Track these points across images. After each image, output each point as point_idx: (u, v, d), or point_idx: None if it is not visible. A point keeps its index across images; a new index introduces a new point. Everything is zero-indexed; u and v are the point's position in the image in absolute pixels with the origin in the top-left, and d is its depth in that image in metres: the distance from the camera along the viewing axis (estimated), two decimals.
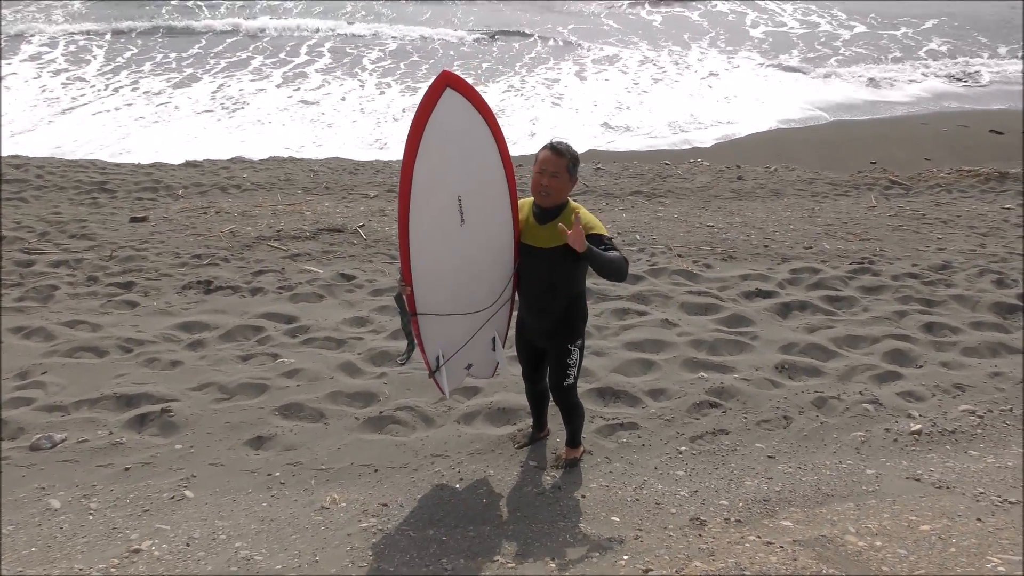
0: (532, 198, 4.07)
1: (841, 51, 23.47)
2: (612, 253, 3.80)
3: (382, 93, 18.65)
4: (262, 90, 18.70)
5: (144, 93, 18.01)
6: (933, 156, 13.32)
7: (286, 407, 5.26)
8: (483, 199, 3.91)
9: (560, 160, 3.87)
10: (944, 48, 24.13)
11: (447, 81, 3.57)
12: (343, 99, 18.12)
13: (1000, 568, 3.53)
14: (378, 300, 7.16)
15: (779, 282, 7.61)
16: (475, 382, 5.54)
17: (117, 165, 12.36)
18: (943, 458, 4.74)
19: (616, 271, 3.80)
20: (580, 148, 13.49)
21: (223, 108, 17.27)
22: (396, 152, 14.13)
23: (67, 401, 5.32)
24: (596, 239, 3.84)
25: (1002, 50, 23.66)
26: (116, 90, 18.24)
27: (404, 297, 3.93)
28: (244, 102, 17.70)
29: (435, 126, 3.58)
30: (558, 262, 3.97)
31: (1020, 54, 22.05)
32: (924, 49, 23.95)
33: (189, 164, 12.65)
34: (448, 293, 4.04)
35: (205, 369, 5.82)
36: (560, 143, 3.92)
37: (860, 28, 26.70)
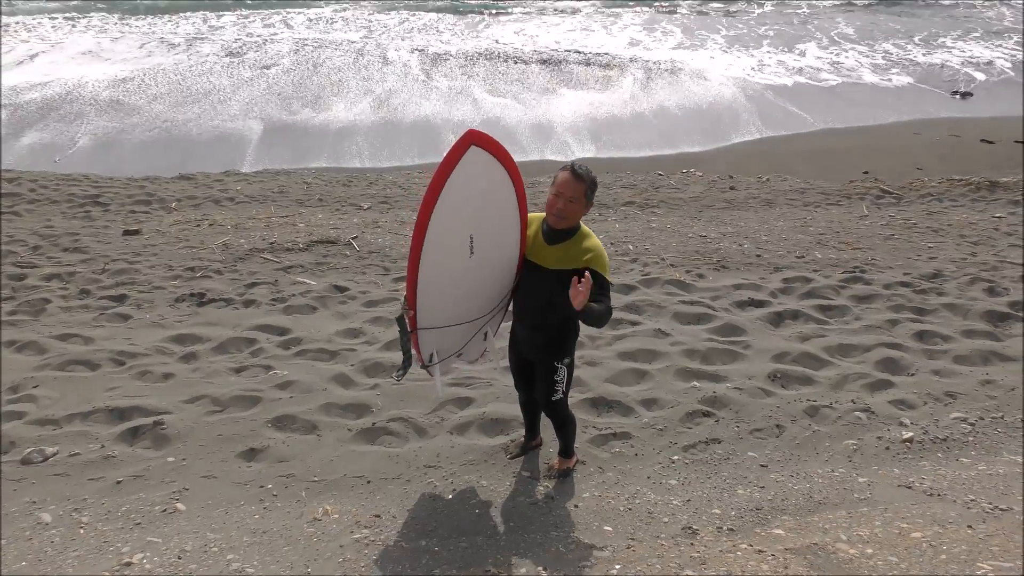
0: (542, 214, 4.04)
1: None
2: (600, 307, 3.74)
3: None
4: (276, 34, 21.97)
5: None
6: (924, 166, 13.40)
7: (279, 419, 5.25)
8: (494, 236, 3.92)
9: (579, 185, 3.78)
10: (851, 30, 25.20)
11: (472, 139, 3.56)
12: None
13: (991, 575, 3.54)
14: (371, 312, 7.16)
15: (771, 291, 7.63)
16: (468, 393, 5.55)
17: (110, 179, 12.37)
18: (934, 466, 4.75)
19: (596, 324, 3.78)
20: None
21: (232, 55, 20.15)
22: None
23: (59, 415, 5.31)
24: (601, 283, 3.83)
25: (917, 37, 24.55)
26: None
27: (407, 319, 3.92)
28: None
29: (456, 180, 3.58)
30: (560, 283, 3.90)
31: (1021, 56, 22.13)
32: (835, 31, 25.02)
33: (182, 177, 12.66)
34: (449, 308, 4.05)
35: (198, 382, 5.81)
36: (581, 167, 3.81)
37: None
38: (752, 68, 20.62)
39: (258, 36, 22.75)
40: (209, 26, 24.10)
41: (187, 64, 19.69)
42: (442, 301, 3.96)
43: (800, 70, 20.49)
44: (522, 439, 4.89)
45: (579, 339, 6.26)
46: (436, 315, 3.98)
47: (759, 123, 16.27)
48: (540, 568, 3.74)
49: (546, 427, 4.98)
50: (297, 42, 22.22)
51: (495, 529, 4.10)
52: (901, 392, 5.66)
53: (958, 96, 18.01)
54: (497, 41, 22.99)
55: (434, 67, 19.94)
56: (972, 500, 4.28)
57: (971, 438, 5.08)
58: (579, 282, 3.57)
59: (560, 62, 20.77)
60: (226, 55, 20.55)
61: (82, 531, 4.10)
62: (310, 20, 25.61)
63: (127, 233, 9.59)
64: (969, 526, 3.99)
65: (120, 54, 20.62)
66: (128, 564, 3.78)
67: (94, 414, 5.32)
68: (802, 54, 22.16)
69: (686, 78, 19.31)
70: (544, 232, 3.98)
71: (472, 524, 4.15)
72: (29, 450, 4.84)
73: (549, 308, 4.03)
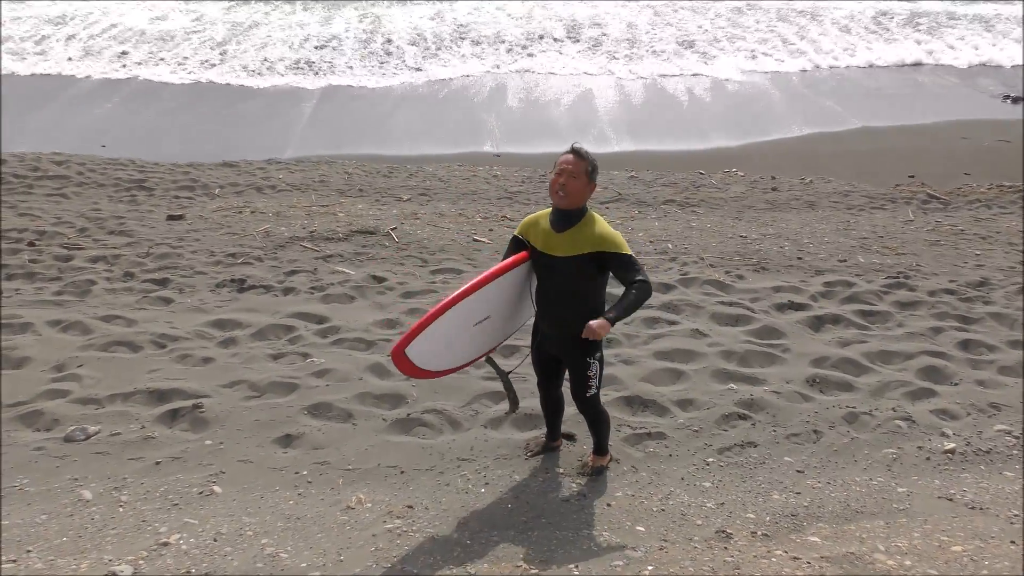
0: (544, 212, 4.12)
1: None
2: (632, 293, 3.85)
3: None
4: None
5: None
6: (973, 171, 13.11)
7: (315, 406, 5.30)
8: (495, 300, 4.15)
9: (580, 163, 3.91)
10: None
11: (402, 350, 3.79)
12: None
13: None
14: (408, 303, 7.20)
15: (812, 295, 7.52)
16: (502, 387, 5.54)
17: (156, 164, 12.57)
18: (977, 478, 4.65)
19: (639, 306, 3.93)
20: None
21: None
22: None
23: (101, 394, 5.41)
24: (620, 260, 3.90)
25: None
26: None
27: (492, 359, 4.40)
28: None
29: (423, 361, 3.92)
30: (577, 271, 3.96)
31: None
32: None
33: (225, 164, 12.82)
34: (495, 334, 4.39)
35: (236, 367, 5.88)
36: (581, 147, 3.97)
37: None
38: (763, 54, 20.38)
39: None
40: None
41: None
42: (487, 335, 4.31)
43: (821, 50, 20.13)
44: (543, 438, 4.87)
45: (615, 338, 6.30)
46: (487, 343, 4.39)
47: (797, 118, 16.13)
48: (571, 566, 3.73)
49: (580, 424, 4.96)
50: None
51: (526, 524, 4.10)
52: (943, 402, 5.54)
53: (1009, 100, 17.54)
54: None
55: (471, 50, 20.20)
56: (1015, 515, 4.18)
57: (1016, 451, 4.96)
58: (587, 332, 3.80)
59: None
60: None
61: (121, 509, 4.17)
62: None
63: (171, 218, 9.75)
64: (1012, 542, 3.89)
65: None
66: (165, 544, 3.84)
67: (135, 395, 5.42)
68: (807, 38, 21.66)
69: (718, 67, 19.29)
70: (552, 221, 4.02)
71: (504, 519, 4.15)
72: (72, 428, 4.94)
73: (572, 299, 4.06)
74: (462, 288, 3.92)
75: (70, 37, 21.05)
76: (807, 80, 18.67)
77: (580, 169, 3.91)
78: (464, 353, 4.24)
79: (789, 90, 18.15)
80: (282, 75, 18.41)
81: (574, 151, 3.95)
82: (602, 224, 3.99)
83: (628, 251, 3.93)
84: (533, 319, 4.41)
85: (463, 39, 21.46)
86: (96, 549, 3.82)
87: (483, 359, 4.43)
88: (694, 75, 18.95)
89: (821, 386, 5.74)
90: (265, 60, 19.37)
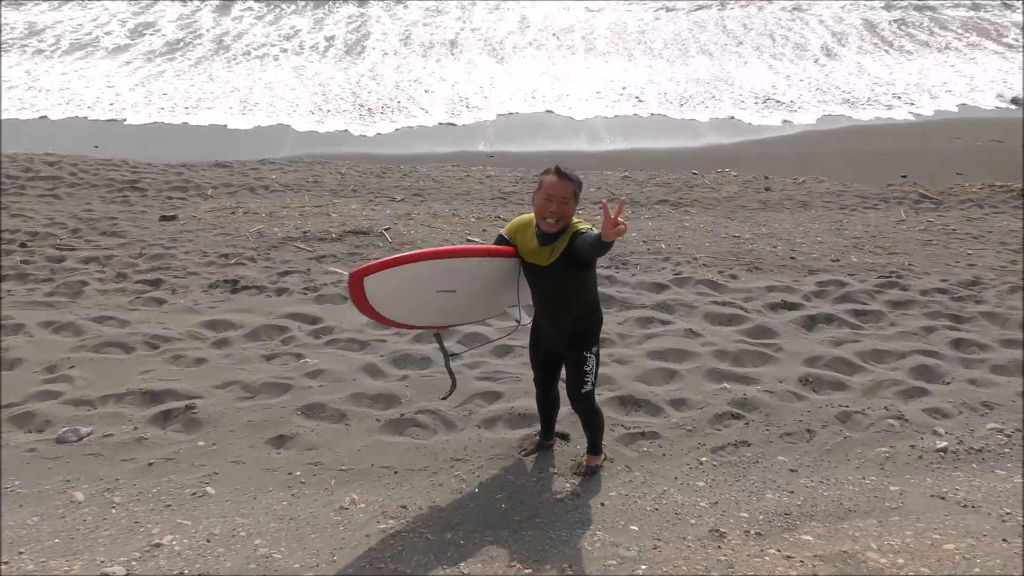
0: (531, 215, 4.09)
1: None
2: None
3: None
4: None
5: None
6: (965, 170, 13.17)
7: (308, 407, 5.29)
8: (464, 278, 4.12)
9: (567, 185, 3.82)
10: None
11: (360, 277, 3.76)
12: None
13: None
14: None
15: (805, 294, 7.53)
16: (496, 387, 5.56)
17: (148, 164, 12.54)
18: (969, 476, 4.66)
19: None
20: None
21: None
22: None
23: (93, 396, 5.39)
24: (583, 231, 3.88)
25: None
26: None
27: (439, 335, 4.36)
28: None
29: (377, 300, 3.86)
30: (561, 274, 3.98)
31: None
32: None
33: (219, 164, 12.80)
34: (465, 311, 4.41)
35: (229, 367, 5.87)
36: (566, 168, 3.86)
37: None
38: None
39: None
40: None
41: None
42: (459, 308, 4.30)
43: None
44: (537, 436, 4.87)
45: (608, 338, 6.30)
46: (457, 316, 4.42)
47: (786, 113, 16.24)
48: (565, 565, 3.73)
49: (574, 424, 4.97)
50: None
51: (520, 524, 4.10)
52: (936, 401, 5.56)
53: (1015, 106, 17.30)
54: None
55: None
56: (1007, 513, 4.19)
57: (1007, 450, 4.98)
58: (613, 216, 3.45)
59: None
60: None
61: (114, 511, 4.16)
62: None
63: (164, 219, 9.73)
64: (1004, 539, 3.91)
65: None
66: (158, 545, 3.83)
67: (128, 396, 5.40)
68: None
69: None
70: (537, 235, 3.99)
71: (498, 519, 4.15)
72: (64, 429, 4.93)
73: (562, 301, 4.10)
74: (435, 249, 3.97)
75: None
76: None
77: (569, 192, 3.83)
78: (420, 315, 4.18)
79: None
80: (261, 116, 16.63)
81: (560, 173, 3.83)
82: (584, 224, 3.97)
83: (588, 226, 3.94)
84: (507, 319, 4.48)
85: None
86: (88, 551, 3.80)
87: (434, 332, 4.41)
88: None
89: (814, 385, 5.75)
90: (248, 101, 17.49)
